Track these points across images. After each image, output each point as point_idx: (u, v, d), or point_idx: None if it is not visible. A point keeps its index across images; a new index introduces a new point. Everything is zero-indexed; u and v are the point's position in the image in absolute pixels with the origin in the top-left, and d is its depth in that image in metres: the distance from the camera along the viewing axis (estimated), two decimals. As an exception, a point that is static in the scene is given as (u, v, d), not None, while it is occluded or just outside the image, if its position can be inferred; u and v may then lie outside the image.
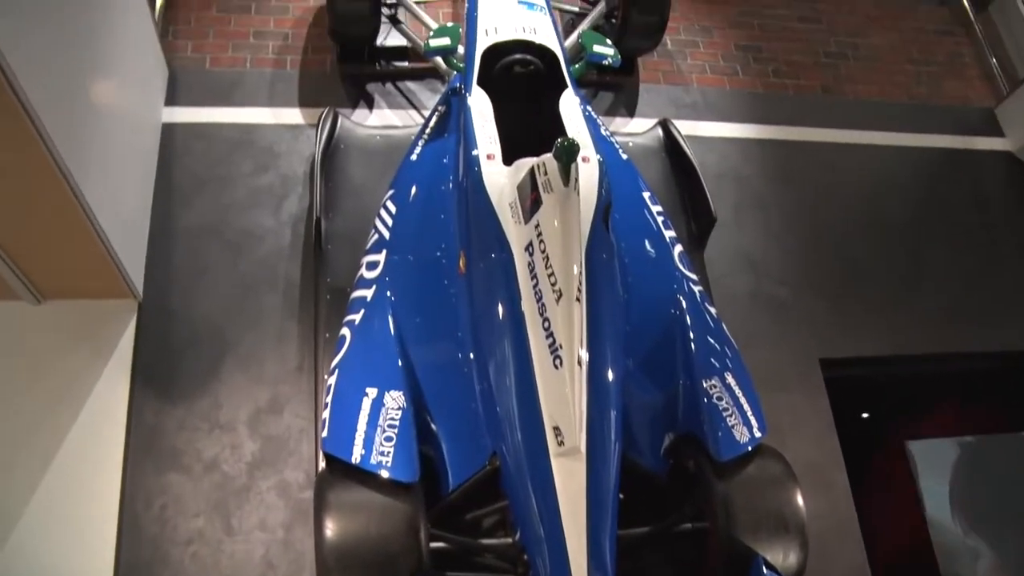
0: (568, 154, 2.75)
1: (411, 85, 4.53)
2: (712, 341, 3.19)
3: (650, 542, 2.96)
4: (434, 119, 3.67)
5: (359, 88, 4.47)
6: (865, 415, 5.58)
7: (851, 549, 3.68)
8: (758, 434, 2.93)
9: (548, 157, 2.82)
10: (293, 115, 4.28)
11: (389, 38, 4.53)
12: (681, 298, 3.23)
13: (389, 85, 4.52)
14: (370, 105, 4.42)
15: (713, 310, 3.32)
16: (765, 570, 2.62)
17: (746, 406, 3.00)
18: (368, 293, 3.10)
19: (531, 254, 2.83)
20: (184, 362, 3.51)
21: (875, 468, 5.49)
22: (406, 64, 4.57)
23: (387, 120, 4.33)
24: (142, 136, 3.91)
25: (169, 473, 3.29)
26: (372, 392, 2.77)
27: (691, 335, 3.12)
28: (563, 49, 3.75)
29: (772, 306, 4.15)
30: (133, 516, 3.20)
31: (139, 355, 3.49)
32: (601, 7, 4.62)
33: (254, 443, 3.38)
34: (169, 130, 4.10)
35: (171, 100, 4.22)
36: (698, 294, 3.31)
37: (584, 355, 2.68)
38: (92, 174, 3.00)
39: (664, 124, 4.25)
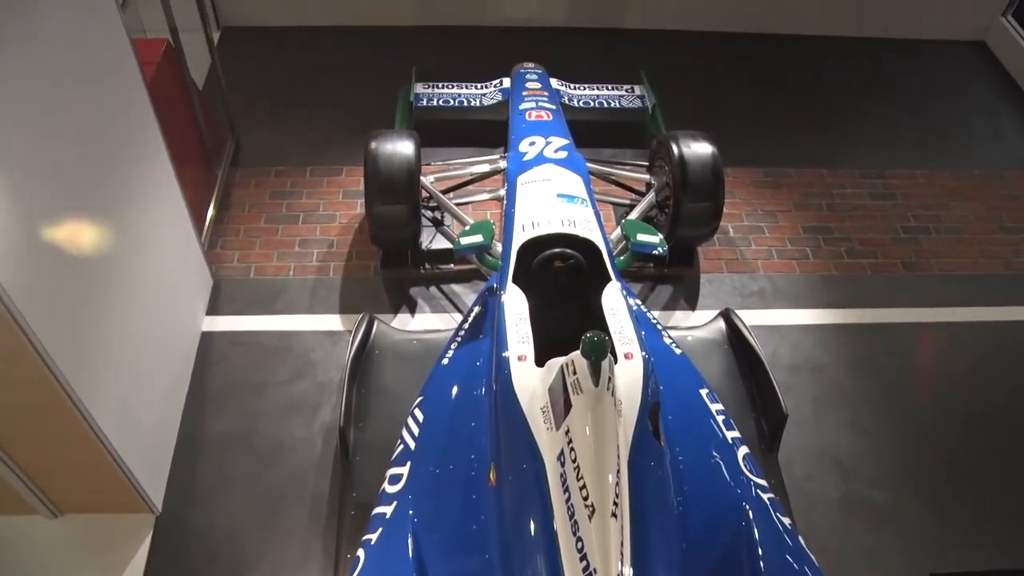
0: (596, 350, 2.51)
1: (456, 288, 4.42)
2: (786, 557, 2.76)
3: None
4: (469, 321, 3.52)
5: (402, 292, 4.39)
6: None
7: None
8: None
9: (576, 355, 2.58)
10: (333, 322, 4.19)
11: (434, 241, 4.46)
12: (748, 507, 2.85)
13: (433, 288, 4.41)
14: (412, 309, 4.30)
15: (788, 521, 2.90)
16: None
17: None
18: (388, 510, 2.83)
19: (563, 464, 2.52)
20: (200, 577, 3.23)
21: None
22: (451, 266, 4.48)
23: (430, 324, 4.19)
24: (178, 347, 3.89)
25: None
26: (381, 628, 2.43)
27: (759, 549, 2.71)
28: (606, 240, 3.59)
29: (866, 513, 3.63)
30: None
31: (151, 573, 3.24)
32: (650, 197, 4.49)
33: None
34: (208, 338, 4.06)
35: (213, 310, 4.22)
36: (768, 502, 2.91)
37: (627, 574, 2.31)
38: (106, 392, 2.96)
39: (726, 314, 3.96)
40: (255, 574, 3.25)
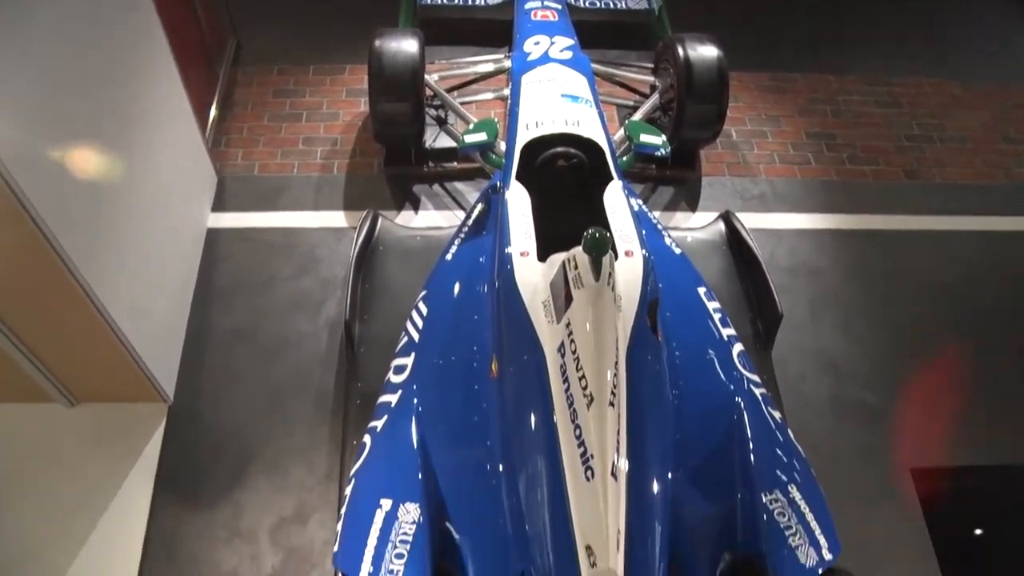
0: (598, 246, 2.56)
1: (459, 186, 4.44)
2: (775, 449, 2.86)
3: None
4: (472, 217, 3.55)
5: (406, 190, 4.41)
6: (978, 531, 4.96)
7: None
8: (828, 556, 2.56)
9: (578, 250, 2.63)
10: (337, 219, 4.23)
11: (437, 140, 4.46)
12: (740, 401, 2.93)
13: (436, 186, 4.43)
14: (416, 207, 4.33)
15: (778, 415, 2.99)
16: None
17: (814, 524, 2.64)
18: (393, 399, 2.92)
19: (563, 355, 2.60)
20: (208, 467, 3.36)
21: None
22: (454, 165, 4.49)
23: (433, 221, 4.23)
24: (185, 242, 3.94)
25: (184, 583, 3.09)
26: (386, 504, 2.56)
27: (751, 443, 2.81)
28: (609, 141, 3.59)
29: (857, 412, 3.74)
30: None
31: (164, 458, 3.38)
32: (655, 99, 4.47)
33: (275, 555, 3.15)
34: (214, 235, 4.10)
35: (218, 206, 4.25)
36: (760, 397, 3.00)
37: (622, 465, 2.41)
38: (117, 285, 3.03)
39: (726, 216, 3.99)
40: (264, 460, 3.37)
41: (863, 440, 3.65)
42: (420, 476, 2.63)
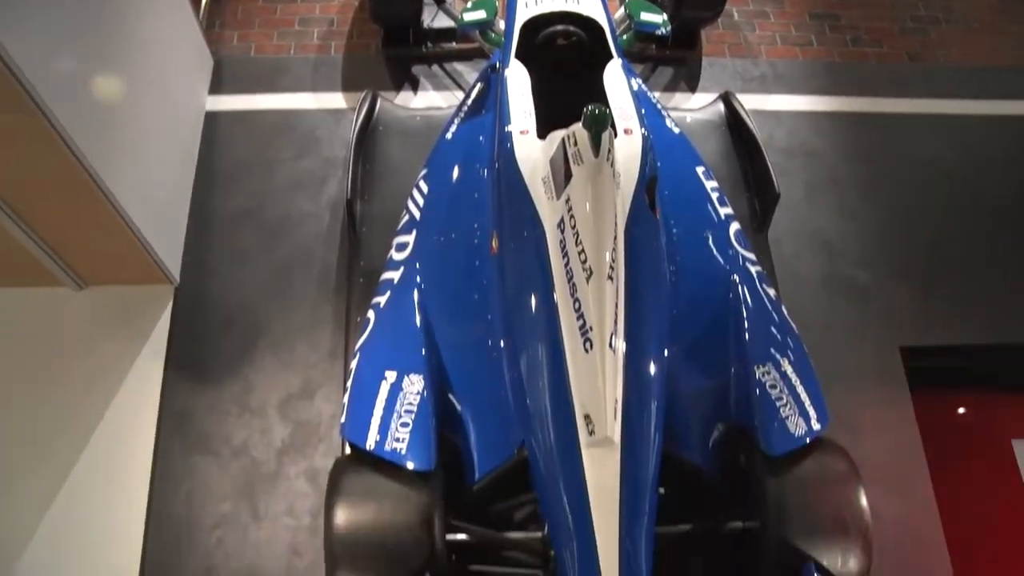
0: (597, 122, 2.56)
1: (458, 66, 4.39)
2: (768, 325, 2.92)
3: (693, 541, 2.71)
4: (472, 96, 3.53)
5: (404, 71, 4.36)
6: (962, 410, 5.11)
7: (933, 560, 3.32)
8: (817, 426, 2.65)
9: (578, 127, 2.63)
10: (335, 99, 4.20)
11: (436, 20, 4.38)
12: (736, 278, 2.99)
13: (435, 67, 4.39)
14: (415, 87, 4.30)
15: (772, 292, 3.05)
16: None
17: (804, 396, 2.72)
18: (396, 275, 2.97)
19: (562, 231, 2.63)
20: (217, 346, 3.45)
21: (972, 471, 5.03)
22: (452, 45, 4.43)
23: (432, 102, 4.21)
24: (183, 125, 3.92)
25: (197, 457, 3.24)
26: (391, 376, 2.63)
27: (745, 318, 2.87)
28: (609, 19, 3.54)
29: (848, 291, 3.82)
30: (161, 498, 3.16)
31: (173, 339, 3.46)
32: (657, -24, 4.38)
33: (284, 428, 3.28)
34: (212, 118, 4.08)
35: (215, 89, 4.21)
36: (755, 274, 3.05)
37: (620, 337, 2.49)
38: (120, 169, 3.04)
39: (725, 97, 3.97)
40: (269, 337, 3.46)
41: (854, 318, 3.74)
42: (423, 349, 2.70)
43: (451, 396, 2.76)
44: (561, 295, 2.57)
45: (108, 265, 3.44)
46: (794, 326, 2.95)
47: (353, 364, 2.72)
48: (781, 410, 2.64)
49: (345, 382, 2.72)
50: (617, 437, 2.44)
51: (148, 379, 3.37)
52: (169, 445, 3.25)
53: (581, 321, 2.52)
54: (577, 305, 2.53)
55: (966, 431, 5.23)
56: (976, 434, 5.25)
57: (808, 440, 2.61)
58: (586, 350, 2.49)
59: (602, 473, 2.41)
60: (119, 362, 3.40)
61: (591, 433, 2.43)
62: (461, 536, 2.58)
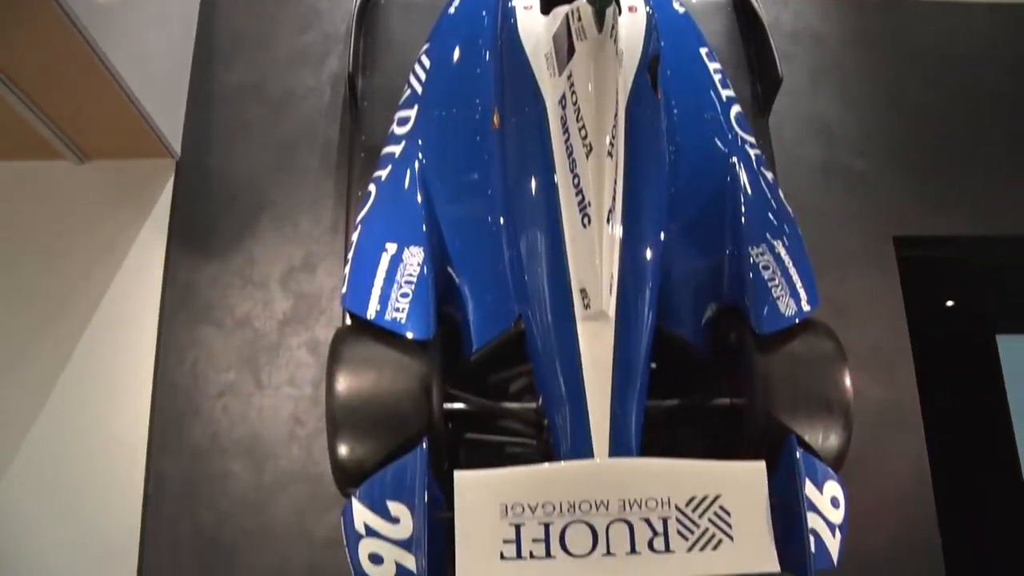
0: None
1: (463, -62, 4.24)
2: (765, 207, 2.94)
3: (682, 416, 2.82)
4: (478, -31, 3.44)
5: (408, -58, 4.23)
6: (950, 303, 5.20)
7: (910, 441, 3.45)
8: (807, 307, 2.70)
9: (582, 2, 2.59)
10: (337, -29, 4.08)
11: None
12: (735, 160, 3.00)
13: (440, -61, 4.25)
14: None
15: (770, 175, 3.07)
16: (799, 451, 2.43)
17: (796, 277, 2.76)
18: (397, 149, 2.97)
19: (564, 107, 2.63)
20: (220, 220, 3.49)
21: (956, 363, 5.15)
22: (458, -85, 4.27)
23: (439, -25, 4.09)
24: (181, -1, 3.85)
25: (202, 328, 3.32)
26: (391, 247, 2.66)
27: (742, 200, 2.89)
28: None
29: (846, 178, 3.84)
30: (167, 369, 3.26)
31: (176, 213, 3.49)
32: None
33: (286, 300, 3.35)
34: (212, -12, 3.99)
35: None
36: (754, 158, 3.06)
37: (618, 213, 2.53)
38: (119, 39, 3.01)
39: (732, -23, 3.90)
40: (272, 212, 3.49)
41: (850, 205, 3.77)
42: (423, 223, 2.74)
43: (450, 270, 2.81)
44: (561, 171, 2.60)
45: (109, 138, 3.44)
46: (790, 210, 2.98)
47: (354, 236, 2.75)
48: (773, 290, 2.69)
49: (346, 254, 2.76)
50: (612, 311, 2.50)
51: (151, 252, 3.42)
52: (174, 317, 3.33)
53: (580, 197, 2.55)
54: (576, 181, 2.56)
55: (953, 324, 5.36)
56: (961, 328, 5.38)
57: (797, 320, 2.66)
58: (584, 225, 2.53)
59: (596, 346, 2.49)
60: (122, 235, 3.45)
61: (587, 307, 2.50)
62: (458, 405, 2.68)
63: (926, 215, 3.84)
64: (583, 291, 2.51)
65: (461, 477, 2.30)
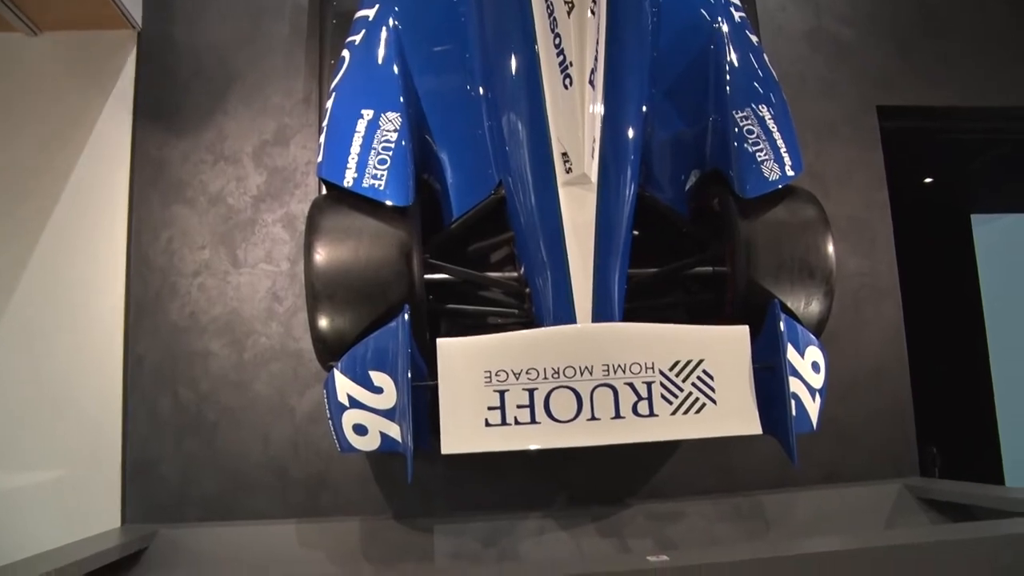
0: None
1: None
2: (749, 71, 2.86)
3: (665, 283, 2.81)
4: None
5: None
6: (928, 180, 5.21)
7: (888, 309, 3.48)
8: (791, 173, 2.66)
9: None
10: None
11: None
12: (720, 25, 2.90)
13: None
14: None
15: (755, 39, 2.97)
16: (782, 316, 2.42)
17: (780, 142, 2.71)
18: (371, 12, 2.84)
19: None
20: (186, 94, 3.34)
21: (932, 237, 5.19)
22: None
23: None
24: None
25: (175, 206, 3.23)
26: (368, 114, 2.57)
27: (727, 64, 2.81)
28: None
29: (832, 47, 3.73)
30: (141, 249, 3.19)
31: (140, 87, 3.33)
32: None
33: (260, 175, 3.26)
34: None
35: None
36: (739, 21, 2.96)
37: (600, 73, 2.46)
38: None
39: None
40: (241, 85, 3.35)
41: (834, 74, 3.68)
42: (401, 88, 2.64)
43: (428, 137, 2.74)
44: (541, 30, 2.52)
45: (64, 8, 3.23)
46: (775, 75, 2.90)
47: (328, 104, 2.65)
48: (757, 155, 2.64)
49: (320, 123, 2.66)
50: (594, 175, 2.46)
51: (117, 129, 3.28)
52: (145, 195, 3.23)
53: (561, 57, 2.47)
54: (558, 41, 2.48)
55: (930, 200, 5.38)
56: (938, 205, 5.41)
57: (781, 185, 2.63)
58: (565, 86, 2.46)
59: (578, 210, 2.46)
60: (85, 112, 3.29)
61: (568, 171, 2.45)
62: (439, 276, 2.65)
63: (911, 85, 3.77)
64: (564, 155, 2.46)
65: (444, 344, 2.29)
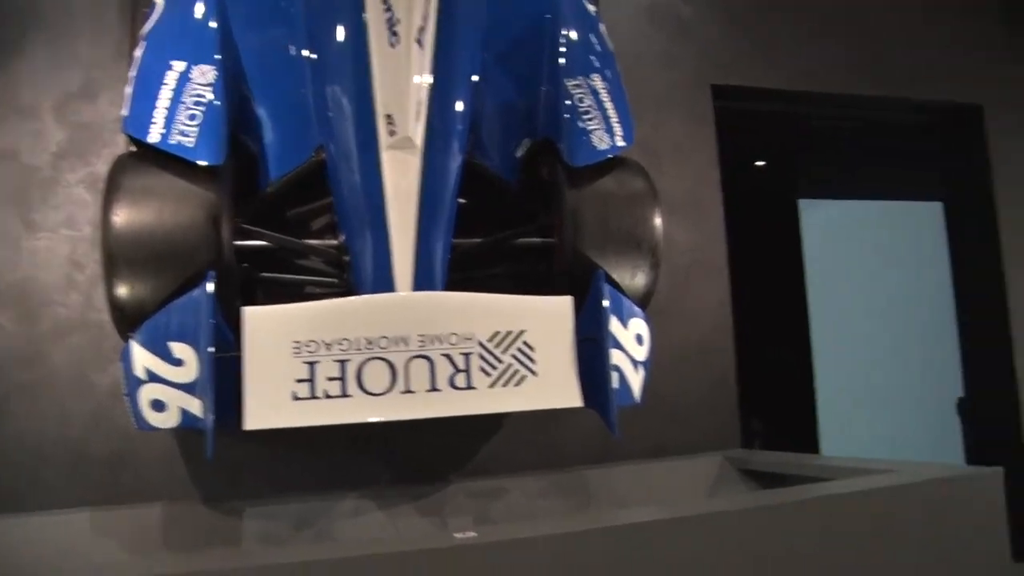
0: None
1: None
2: (584, 42, 2.82)
3: (496, 254, 2.74)
4: None
5: None
6: (760, 163, 5.39)
7: (716, 286, 3.55)
8: (621, 143, 2.64)
9: None
10: None
11: None
12: None
13: None
14: None
15: (593, 8, 2.94)
16: (605, 286, 2.40)
17: (612, 112, 2.69)
18: None
19: None
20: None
21: (763, 220, 5.38)
22: None
23: None
24: None
25: (-41, 161, 2.89)
26: (179, 66, 2.36)
27: (561, 33, 2.74)
28: None
29: (670, 22, 3.75)
30: (-84, 207, 2.84)
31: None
32: None
33: (61, 132, 2.96)
34: None
35: None
36: (577, -10, 2.91)
37: (429, 32, 2.37)
38: None
39: None
40: (42, 26, 3.00)
41: (671, 50, 3.70)
42: (218, 39, 2.43)
43: (247, 95, 2.56)
44: None
45: None
46: (611, 45, 2.87)
47: (137, 53, 2.43)
48: (587, 123, 2.61)
49: (129, 71, 2.44)
50: (419, 139, 2.38)
51: None
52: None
53: (389, 13, 2.38)
54: None
55: (763, 181, 5.57)
56: (768, 189, 5.61)
57: (611, 155, 2.61)
58: (391, 45, 2.37)
59: (401, 175, 2.37)
60: None
61: (391, 134, 2.36)
62: (254, 242, 2.48)
63: (746, 66, 3.84)
64: (388, 117, 2.37)
65: (250, 313, 2.15)
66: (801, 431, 5.33)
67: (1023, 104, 4.51)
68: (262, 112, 2.57)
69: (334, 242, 2.56)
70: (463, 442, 3.03)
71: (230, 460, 2.75)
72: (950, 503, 2.22)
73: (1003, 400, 4.31)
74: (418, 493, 2.76)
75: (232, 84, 2.44)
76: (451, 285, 2.40)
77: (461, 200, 2.49)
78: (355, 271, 2.39)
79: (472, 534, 1.72)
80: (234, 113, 2.43)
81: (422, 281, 2.33)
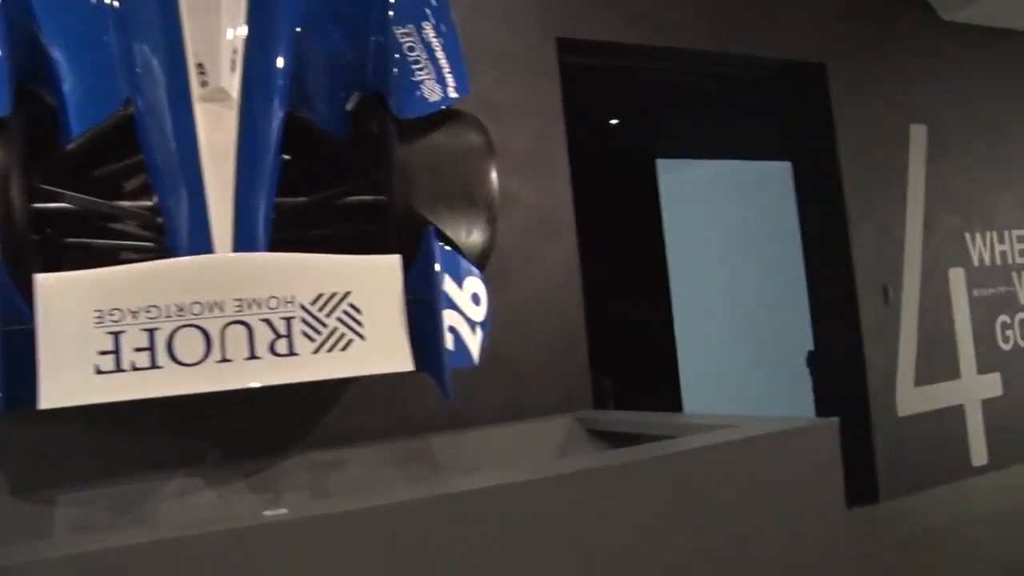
0: None
1: None
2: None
3: (320, 212, 2.60)
4: None
5: None
6: (615, 121, 5.37)
7: (563, 245, 3.48)
8: (454, 94, 2.52)
9: None
10: None
11: None
12: None
13: None
14: None
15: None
16: (437, 244, 2.31)
17: (444, 62, 2.56)
18: None
19: None
20: None
21: (619, 179, 5.39)
22: None
23: None
24: None
25: None
26: (-46, 11, 2.12)
27: None
28: None
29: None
30: None
31: None
32: None
33: None
34: None
35: None
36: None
37: None
38: None
39: None
40: None
41: (512, 1, 3.58)
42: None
43: (41, 41, 2.32)
44: None
45: None
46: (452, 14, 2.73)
47: None
48: (417, 73, 2.48)
49: None
50: (235, 91, 2.23)
51: None
52: None
53: None
54: None
55: (618, 140, 5.57)
56: (625, 146, 5.62)
57: (444, 107, 2.49)
58: (202, -11, 2.18)
59: (216, 130, 2.21)
60: None
61: (204, 84, 2.20)
62: (55, 204, 2.28)
63: (593, 20, 3.76)
64: (200, 65, 2.21)
65: (43, 280, 1.96)
66: (664, 389, 5.39)
67: (866, 63, 4.65)
68: (59, 61, 2.34)
69: (148, 203, 2.37)
70: (303, 412, 2.89)
71: (44, 446, 2.51)
72: (790, 454, 2.25)
73: (850, 352, 4.46)
74: (253, 468, 2.61)
75: (19, 29, 2.22)
76: (278, 246, 2.26)
77: (286, 156, 2.35)
78: (171, 233, 2.22)
79: (283, 511, 1.61)
80: (23, 61, 2.21)
81: (243, 242, 2.19)
